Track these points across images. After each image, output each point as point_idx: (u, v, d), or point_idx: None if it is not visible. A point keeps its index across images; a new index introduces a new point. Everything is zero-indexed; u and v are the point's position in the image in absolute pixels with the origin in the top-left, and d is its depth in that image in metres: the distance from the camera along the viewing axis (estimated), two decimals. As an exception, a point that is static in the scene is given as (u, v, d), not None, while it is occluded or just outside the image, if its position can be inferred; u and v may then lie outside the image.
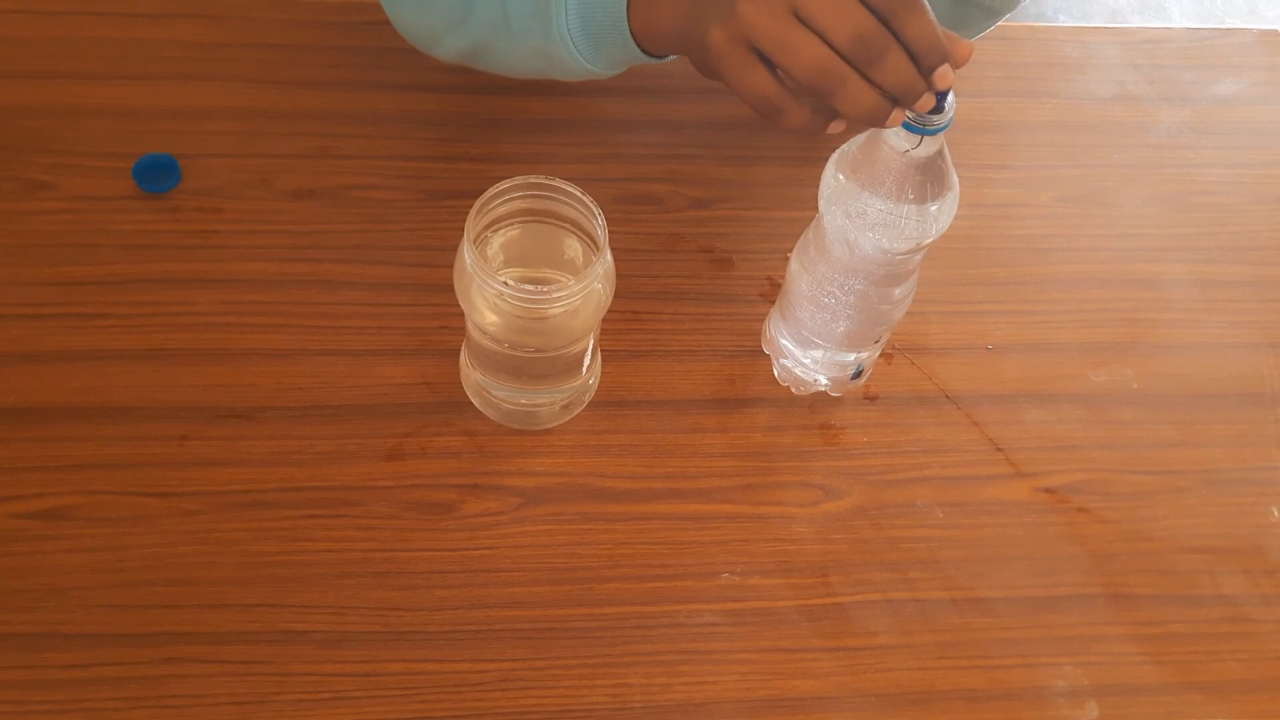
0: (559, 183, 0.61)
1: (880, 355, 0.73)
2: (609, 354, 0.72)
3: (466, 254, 0.58)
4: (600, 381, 0.71)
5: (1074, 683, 0.65)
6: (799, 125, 0.56)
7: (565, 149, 0.81)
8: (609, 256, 0.60)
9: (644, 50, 0.63)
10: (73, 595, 0.61)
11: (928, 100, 0.54)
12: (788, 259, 0.68)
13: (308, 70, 0.82)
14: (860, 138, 0.60)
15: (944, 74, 0.53)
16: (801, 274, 0.66)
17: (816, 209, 0.62)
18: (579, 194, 0.61)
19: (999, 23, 0.77)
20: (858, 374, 0.71)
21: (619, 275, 0.63)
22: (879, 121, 0.54)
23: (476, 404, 0.69)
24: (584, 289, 0.59)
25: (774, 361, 0.73)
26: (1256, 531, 0.71)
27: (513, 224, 0.63)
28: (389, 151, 0.79)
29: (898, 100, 0.54)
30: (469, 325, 0.64)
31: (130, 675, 0.60)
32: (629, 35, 0.62)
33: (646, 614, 0.64)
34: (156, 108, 0.79)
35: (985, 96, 0.88)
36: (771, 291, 0.76)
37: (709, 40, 0.56)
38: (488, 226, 0.62)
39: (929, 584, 0.67)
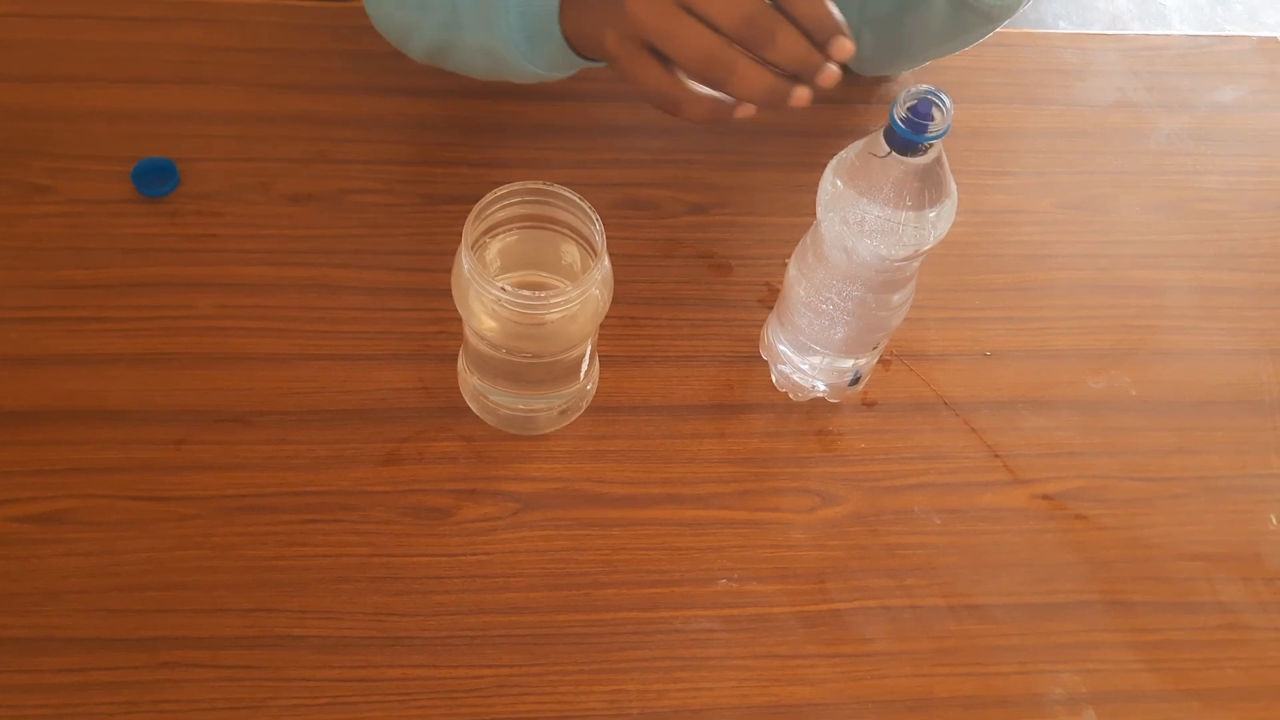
0: (557, 188, 0.61)
1: (878, 361, 0.73)
2: (607, 359, 0.72)
3: (464, 259, 0.58)
4: (598, 387, 0.71)
5: (1072, 690, 0.65)
6: (700, 116, 0.56)
7: (563, 154, 0.81)
8: (607, 262, 0.60)
9: (579, 54, 0.64)
10: (69, 599, 0.61)
11: (830, 74, 0.53)
12: (786, 265, 0.68)
13: (306, 74, 0.82)
14: (858, 144, 0.60)
15: (840, 45, 0.52)
16: (799, 280, 0.66)
17: (815, 215, 0.62)
18: (577, 199, 0.60)
19: (998, 29, 0.77)
20: (855, 380, 0.71)
21: (617, 281, 0.63)
22: (781, 102, 0.53)
23: (474, 409, 0.69)
24: (582, 294, 0.59)
25: (772, 367, 0.73)
26: (1255, 539, 0.71)
27: (511, 229, 0.63)
28: (387, 156, 0.79)
29: (797, 77, 0.53)
30: (467, 330, 0.64)
31: (126, 680, 0.60)
32: (563, 39, 0.63)
33: (643, 620, 0.64)
34: (155, 111, 0.79)
35: (984, 103, 0.88)
36: (770, 297, 0.76)
37: (606, 42, 0.57)
38: (486, 232, 0.62)
39: (926, 591, 0.67)
